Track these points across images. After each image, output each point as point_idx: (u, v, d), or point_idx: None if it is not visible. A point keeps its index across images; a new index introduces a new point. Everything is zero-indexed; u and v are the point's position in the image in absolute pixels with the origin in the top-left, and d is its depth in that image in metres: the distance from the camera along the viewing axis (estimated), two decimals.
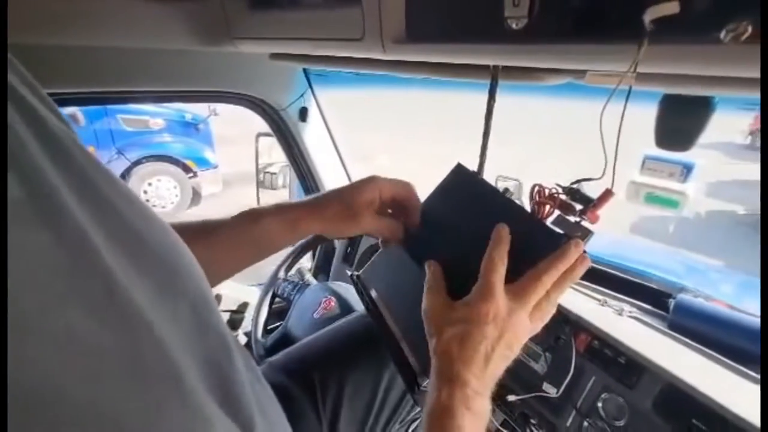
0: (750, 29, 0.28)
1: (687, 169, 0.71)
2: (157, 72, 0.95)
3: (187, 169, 4.48)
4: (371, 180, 0.53)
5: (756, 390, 0.61)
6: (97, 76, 0.88)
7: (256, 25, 0.72)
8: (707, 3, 0.30)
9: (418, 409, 0.74)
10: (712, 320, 0.72)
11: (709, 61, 0.31)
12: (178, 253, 0.27)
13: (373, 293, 0.62)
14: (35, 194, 0.18)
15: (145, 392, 0.19)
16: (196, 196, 4.66)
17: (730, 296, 0.87)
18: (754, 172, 5.18)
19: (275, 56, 0.88)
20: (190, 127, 4.56)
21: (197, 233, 0.49)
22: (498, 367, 0.42)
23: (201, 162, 4.56)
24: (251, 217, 0.52)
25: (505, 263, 0.43)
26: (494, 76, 0.54)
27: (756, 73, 0.28)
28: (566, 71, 0.48)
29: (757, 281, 1.31)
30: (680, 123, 0.58)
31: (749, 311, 0.75)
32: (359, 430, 0.68)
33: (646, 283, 0.87)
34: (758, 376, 0.62)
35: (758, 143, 6.20)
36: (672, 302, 0.78)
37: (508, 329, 0.42)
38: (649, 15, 0.30)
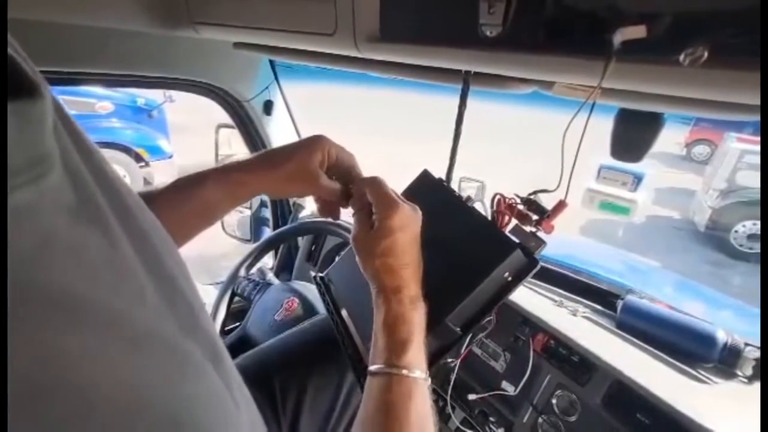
0: (706, 54, 0.30)
1: (638, 179, 0.77)
2: (109, 54, 0.86)
3: (138, 158, 4.18)
4: (321, 139, 0.51)
5: (694, 385, 0.66)
6: (43, 54, 0.78)
7: (220, 11, 0.67)
8: (669, 27, 0.32)
9: None
10: (656, 320, 0.78)
11: (668, 82, 0.32)
12: (170, 252, 0.27)
13: (336, 294, 0.61)
14: (84, 199, 0.19)
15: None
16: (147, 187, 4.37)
17: (668, 296, 0.95)
18: (688, 181, 5.68)
19: (239, 45, 0.83)
20: (142, 113, 4.24)
21: None
22: (421, 262, 0.47)
23: (154, 151, 4.25)
24: (195, 181, 0.48)
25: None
26: (466, 81, 0.55)
27: (710, 96, 0.30)
28: (535, 81, 0.49)
29: (690, 283, 1.44)
30: (634, 136, 0.61)
31: (686, 311, 0.82)
32: None
33: (597, 285, 0.93)
34: (695, 373, 0.68)
35: (692, 155, 6.81)
36: (620, 303, 0.83)
37: (417, 227, 0.47)
38: (619, 37, 0.31)
